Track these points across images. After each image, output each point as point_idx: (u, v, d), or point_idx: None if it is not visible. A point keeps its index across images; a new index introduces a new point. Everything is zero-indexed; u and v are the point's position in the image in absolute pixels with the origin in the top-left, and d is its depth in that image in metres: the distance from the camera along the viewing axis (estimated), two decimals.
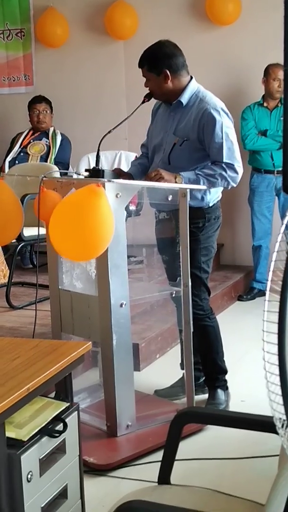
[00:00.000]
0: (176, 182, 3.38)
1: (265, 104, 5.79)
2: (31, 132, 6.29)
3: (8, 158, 6.13)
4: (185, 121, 3.56)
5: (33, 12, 6.72)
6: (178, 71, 3.55)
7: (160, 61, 3.52)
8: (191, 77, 3.61)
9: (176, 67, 3.54)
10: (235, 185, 3.54)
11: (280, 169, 5.72)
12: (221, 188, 3.64)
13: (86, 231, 2.78)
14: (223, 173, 3.46)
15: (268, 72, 5.73)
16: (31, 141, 6.23)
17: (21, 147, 6.20)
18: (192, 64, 3.67)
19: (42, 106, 6.21)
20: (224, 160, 3.47)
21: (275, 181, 5.74)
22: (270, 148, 5.70)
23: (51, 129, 6.23)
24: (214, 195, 3.63)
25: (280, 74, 5.68)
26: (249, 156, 5.84)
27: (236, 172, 3.50)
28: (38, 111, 6.20)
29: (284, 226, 1.42)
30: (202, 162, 3.54)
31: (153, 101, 3.72)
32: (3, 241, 3.55)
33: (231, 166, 3.48)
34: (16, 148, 6.20)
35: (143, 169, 3.79)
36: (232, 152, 3.50)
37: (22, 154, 6.15)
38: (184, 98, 3.57)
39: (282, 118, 5.66)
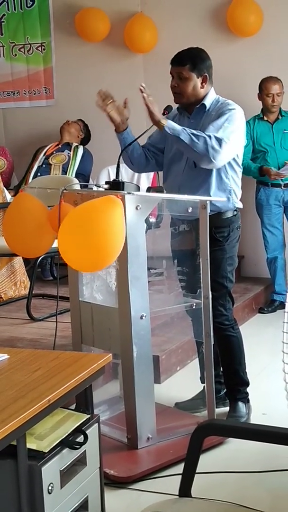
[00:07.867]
0: (159, 123, 3.45)
1: (265, 118, 5.70)
2: (55, 144, 6.37)
3: (32, 171, 6.19)
4: (209, 123, 3.57)
5: (54, 26, 6.78)
6: (211, 77, 3.61)
7: (204, 63, 3.59)
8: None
9: (211, 74, 3.62)
10: (214, 161, 3.44)
11: None
12: (240, 192, 3.64)
13: (94, 236, 2.79)
14: (207, 139, 3.41)
15: (260, 87, 5.62)
16: (54, 152, 6.30)
17: (45, 156, 6.27)
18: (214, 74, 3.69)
19: (77, 127, 6.44)
20: (217, 134, 3.44)
21: (282, 194, 5.72)
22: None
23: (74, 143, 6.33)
24: (238, 195, 3.64)
25: (273, 89, 5.55)
26: None
27: (220, 146, 3.42)
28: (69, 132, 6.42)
29: None
30: (229, 163, 3.56)
31: None
32: (37, 252, 3.57)
33: (218, 139, 3.42)
34: (41, 157, 6.28)
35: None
36: (227, 133, 3.46)
37: (44, 165, 6.22)
38: (207, 102, 3.61)
39: (285, 131, 5.60)
